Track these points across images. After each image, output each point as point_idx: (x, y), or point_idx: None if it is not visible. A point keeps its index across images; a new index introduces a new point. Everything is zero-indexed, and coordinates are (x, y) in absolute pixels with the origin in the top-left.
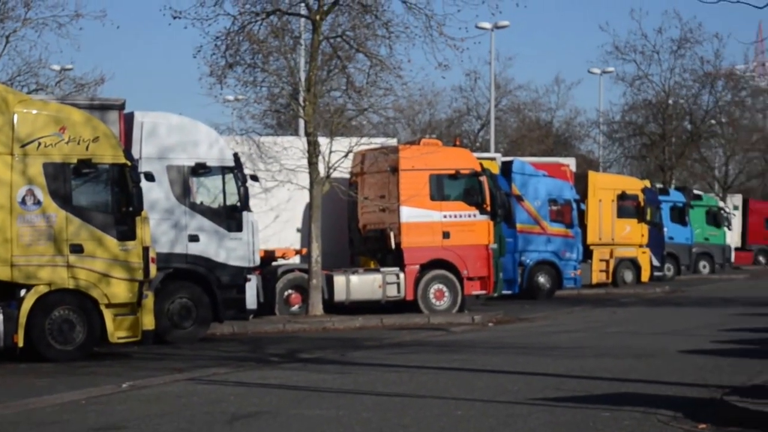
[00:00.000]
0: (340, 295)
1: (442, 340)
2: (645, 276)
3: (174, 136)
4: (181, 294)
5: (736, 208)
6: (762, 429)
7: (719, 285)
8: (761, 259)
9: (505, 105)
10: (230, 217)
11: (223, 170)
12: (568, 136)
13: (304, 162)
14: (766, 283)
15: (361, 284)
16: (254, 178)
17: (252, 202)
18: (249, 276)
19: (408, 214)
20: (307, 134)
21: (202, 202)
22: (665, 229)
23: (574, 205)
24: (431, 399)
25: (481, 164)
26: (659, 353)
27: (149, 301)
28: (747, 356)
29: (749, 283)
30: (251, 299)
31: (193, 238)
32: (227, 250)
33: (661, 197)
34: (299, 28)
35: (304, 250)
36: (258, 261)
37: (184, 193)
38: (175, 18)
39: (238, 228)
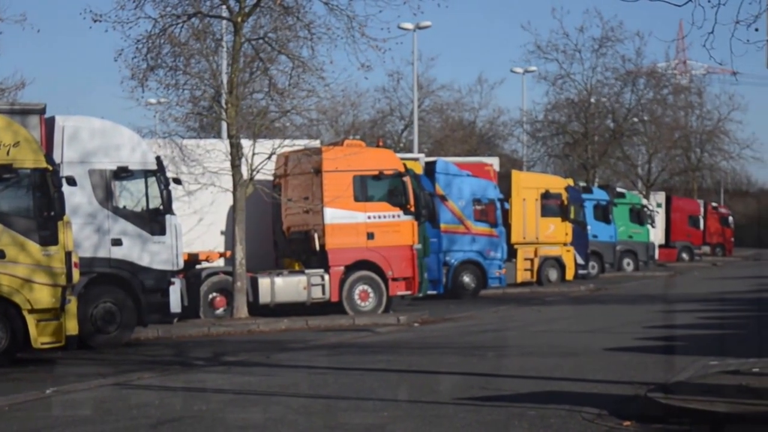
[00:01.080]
0: (265, 297)
1: (368, 341)
2: (569, 274)
3: (96, 140)
4: (105, 298)
5: (659, 205)
6: (685, 425)
7: (643, 282)
8: (684, 255)
9: (429, 105)
10: (153, 221)
11: (146, 174)
12: (492, 136)
13: (227, 164)
14: (690, 280)
15: (285, 286)
16: (177, 181)
17: (175, 205)
18: (173, 279)
19: (332, 215)
20: (229, 136)
21: (125, 206)
22: (589, 227)
23: (498, 205)
24: (357, 401)
25: (404, 165)
26: (584, 351)
27: (72, 305)
28: (670, 353)
29: (673, 280)
30: (175, 303)
31: (117, 242)
32: (151, 253)
33: (584, 195)
34: (221, 30)
35: (228, 253)
36: (182, 264)
37: (106, 197)
38: (95, 21)
39: (162, 231)
